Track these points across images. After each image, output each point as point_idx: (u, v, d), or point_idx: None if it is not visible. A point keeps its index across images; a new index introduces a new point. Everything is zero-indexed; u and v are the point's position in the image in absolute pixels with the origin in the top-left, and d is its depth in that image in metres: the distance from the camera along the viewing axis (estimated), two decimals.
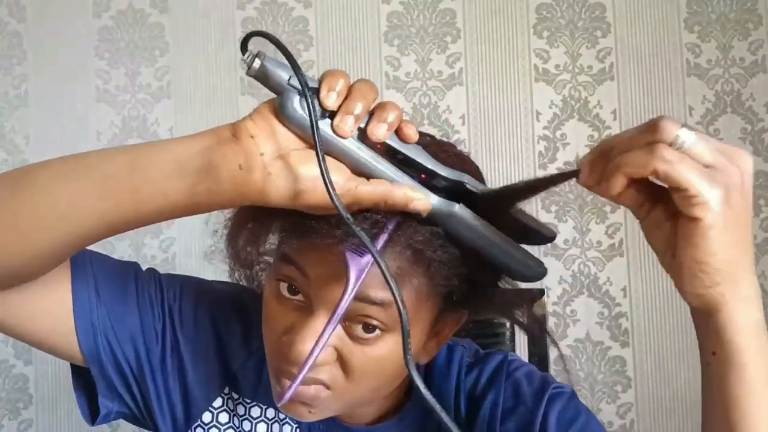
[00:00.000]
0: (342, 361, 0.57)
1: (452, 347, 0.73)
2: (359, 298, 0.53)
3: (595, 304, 1.48)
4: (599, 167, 0.48)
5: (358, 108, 0.50)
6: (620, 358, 1.46)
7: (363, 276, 0.52)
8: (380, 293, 0.54)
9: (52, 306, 0.61)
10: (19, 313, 0.59)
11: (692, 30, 1.51)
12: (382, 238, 0.53)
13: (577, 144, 1.50)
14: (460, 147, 0.64)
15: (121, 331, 0.64)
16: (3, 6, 1.54)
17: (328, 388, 0.57)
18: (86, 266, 0.63)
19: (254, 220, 0.57)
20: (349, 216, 0.48)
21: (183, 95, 1.53)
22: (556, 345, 0.69)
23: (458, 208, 0.52)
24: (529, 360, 1.01)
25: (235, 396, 0.69)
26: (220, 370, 0.68)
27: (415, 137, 0.52)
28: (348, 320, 0.55)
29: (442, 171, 0.54)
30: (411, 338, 0.55)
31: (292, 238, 0.55)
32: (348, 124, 0.50)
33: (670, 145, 0.45)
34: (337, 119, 0.50)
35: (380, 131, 0.51)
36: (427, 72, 1.52)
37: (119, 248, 1.51)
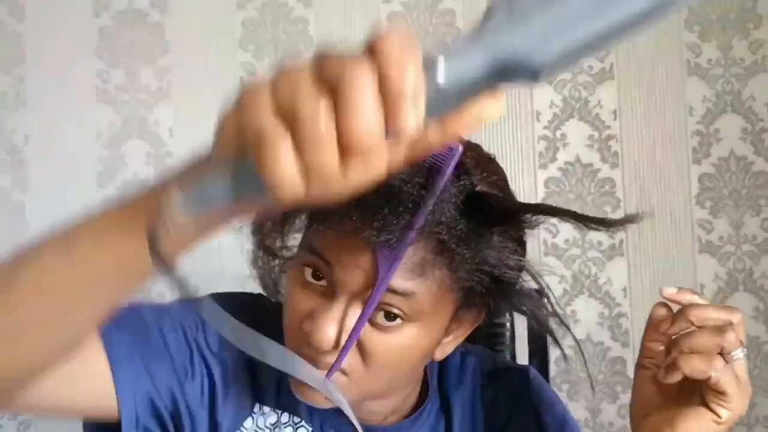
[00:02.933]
0: (361, 347, 0.57)
1: (465, 354, 0.74)
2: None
3: (596, 305, 1.48)
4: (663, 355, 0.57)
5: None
6: (621, 358, 1.46)
7: (392, 271, 0.54)
8: (404, 284, 0.55)
9: (91, 381, 0.59)
10: (58, 396, 0.55)
11: (692, 30, 1.50)
12: (410, 236, 0.53)
13: (577, 144, 1.50)
14: None
15: (159, 384, 0.63)
16: (2, 5, 1.54)
17: (345, 374, 0.58)
18: (111, 330, 0.60)
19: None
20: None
21: (183, 95, 1.53)
22: (577, 343, 0.71)
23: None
24: (530, 360, 1.01)
25: (265, 409, 0.68)
26: (250, 386, 0.68)
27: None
28: None
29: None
30: (430, 332, 0.59)
31: (320, 227, 0.56)
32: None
33: (724, 353, 0.54)
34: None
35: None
36: None
37: None
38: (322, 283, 0.58)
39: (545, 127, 1.50)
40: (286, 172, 0.31)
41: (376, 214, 0.52)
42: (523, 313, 0.62)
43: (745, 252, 1.48)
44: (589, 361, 1.47)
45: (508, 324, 0.99)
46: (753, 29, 1.50)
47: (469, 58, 0.32)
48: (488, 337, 0.97)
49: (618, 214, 1.48)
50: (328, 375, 0.56)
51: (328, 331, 0.55)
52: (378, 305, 0.56)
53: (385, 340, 0.57)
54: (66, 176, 1.52)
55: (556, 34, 0.31)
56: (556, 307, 0.63)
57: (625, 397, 1.46)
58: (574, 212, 0.55)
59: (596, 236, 1.49)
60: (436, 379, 0.73)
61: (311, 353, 0.57)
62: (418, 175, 0.54)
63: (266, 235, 0.62)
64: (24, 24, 1.54)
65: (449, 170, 0.54)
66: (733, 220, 1.48)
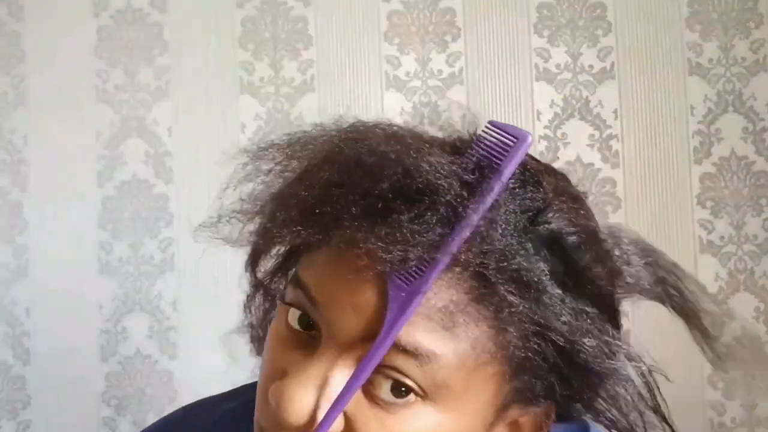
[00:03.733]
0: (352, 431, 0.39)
1: None
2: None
3: None
4: None
5: None
6: None
7: (409, 312, 0.35)
8: (421, 338, 0.36)
9: None
10: None
11: (694, 29, 1.50)
12: (440, 261, 0.35)
13: (578, 144, 1.50)
14: None
15: None
16: (1, 5, 1.54)
17: None
18: None
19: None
20: None
21: (182, 95, 1.53)
22: None
23: None
24: None
25: None
26: None
27: None
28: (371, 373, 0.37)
29: None
30: (459, 424, 0.38)
31: (311, 233, 0.38)
32: None
33: None
34: None
35: None
36: (427, 71, 1.51)
37: (117, 248, 1.50)
38: (312, 332, 0.40)
39: (546, 127, 1.50)
40: None
41: (391, 218, 0.35)
42: (604, 421, 0.42)
43: (746, 252, 1.47)
44: None
45: None
46: (754, 28, 1.49)
47: None
48: None
49: (618, 215, 1.47)
50: None
51: (298, 399, 0.37)
52: (381, 369, 0.37)
53: (386, 424, 0.37)
54: (65, 176, 1.52)
55: None
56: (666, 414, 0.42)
57: None
58: (695, 318, 0.41)
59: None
60: None
61: (273, 429, 0.39)
62: (463, 168, 0.37)
63: (265, 273, 0.46)
64: (24, 24, 1.54)
65: (511, 168, 0.37)
66: (734, 220, 1.48)
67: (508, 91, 1.50)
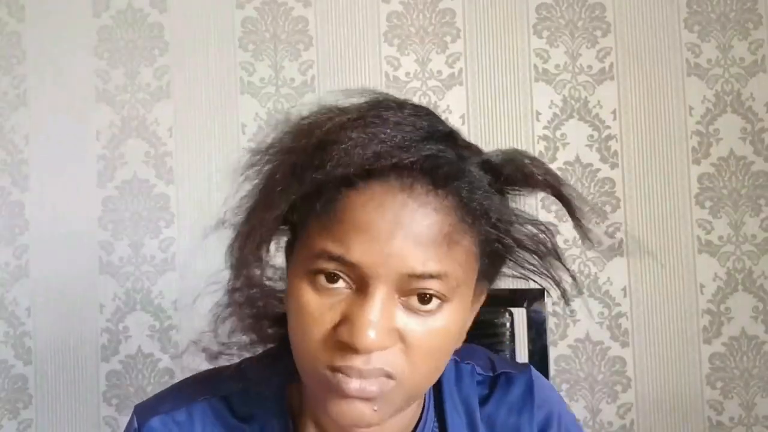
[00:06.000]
0: (404, 339, 0.53)
1: (459, 363, 0.68)
2: (412, 274, 0.52)
3: (595, 304, 1.48)
4: None
5: None
6: (620, 358, 1.46)
7: None
8: (433, 265, 0.52)
9: None
10: None
11: (692, 30, 1.50)
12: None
13: (577, 144, 1.50)
14: None
15: None
16: (2, 5, 1.54)
17: (392, 378, 0.53)
18: None
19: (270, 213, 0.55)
20: None
21: (183, 95, 1.53)
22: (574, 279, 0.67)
23: None
24: (529, 359, 1.01)
25: None
26: None
27: None
28: (403, 295, 0.53)
29: None
30: (462, 306, 0.56)
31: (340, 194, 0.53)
32: None
33: None
34: None
35: None
36: (427, 72, 1.52)
37: (118, 248, 1.51)
38: (340, 285, 0.53)
39: (545, 127, 1.50)
40: None
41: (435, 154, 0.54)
42: (527, 267, 0.60)
43: (744, 252, 1.48)
44: (589, 361, 1.47)
45: (508, 324, 0.99)
46: (753, 29, 1.50)
47: None
48: (488, 337, 0.97)
49: (618, 214, 1.48)
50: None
51: (375, 332, 0.51)
52: (411, 290, 0.53)
53: (425, 325, 0.53)
54: (66, 176, 1.52)
55: None
56: (558, 251, 0.61)
57: (625, 397, 1.46)
58: (572, 204, 0.59)
59: (596, 236, 1.48)
60: (432, 395, 0.66)
61: (351, 362, 0.52)
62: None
63: (244, 264, 0.58)
64: (24, 24, 1.54)
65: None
66: (732, 220, 1.48)
67: (507, 92, 1.51)
